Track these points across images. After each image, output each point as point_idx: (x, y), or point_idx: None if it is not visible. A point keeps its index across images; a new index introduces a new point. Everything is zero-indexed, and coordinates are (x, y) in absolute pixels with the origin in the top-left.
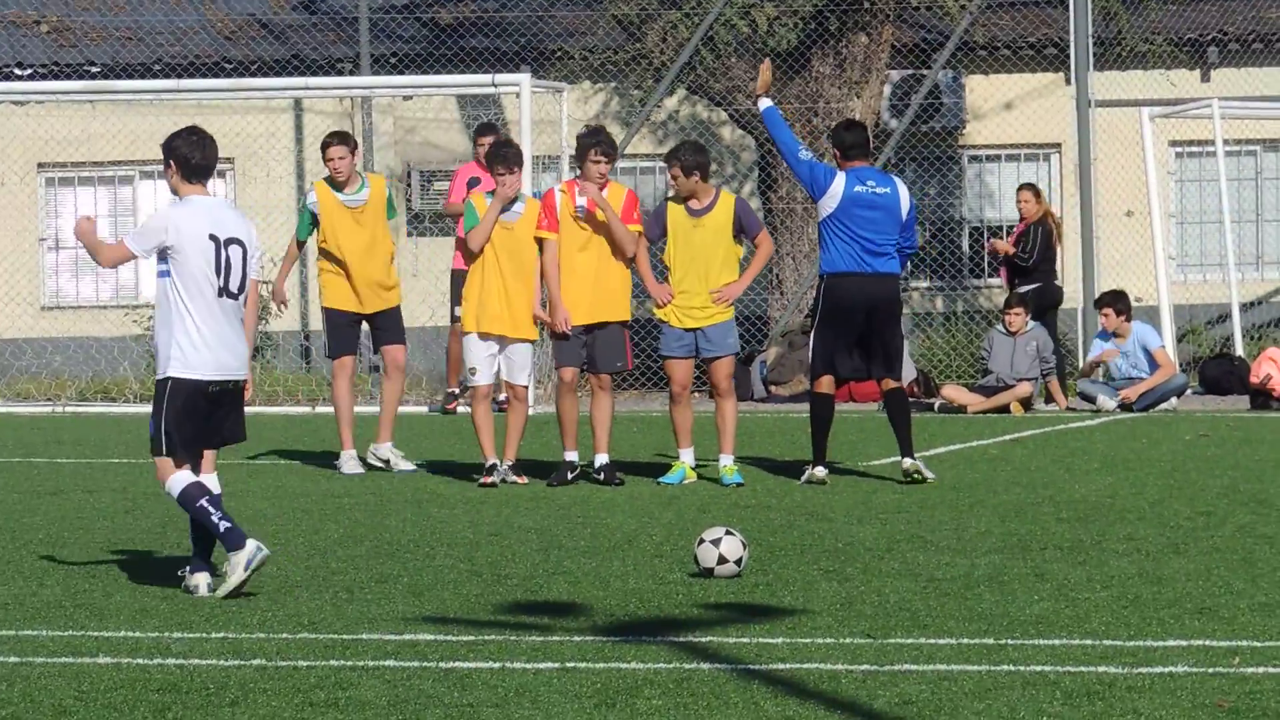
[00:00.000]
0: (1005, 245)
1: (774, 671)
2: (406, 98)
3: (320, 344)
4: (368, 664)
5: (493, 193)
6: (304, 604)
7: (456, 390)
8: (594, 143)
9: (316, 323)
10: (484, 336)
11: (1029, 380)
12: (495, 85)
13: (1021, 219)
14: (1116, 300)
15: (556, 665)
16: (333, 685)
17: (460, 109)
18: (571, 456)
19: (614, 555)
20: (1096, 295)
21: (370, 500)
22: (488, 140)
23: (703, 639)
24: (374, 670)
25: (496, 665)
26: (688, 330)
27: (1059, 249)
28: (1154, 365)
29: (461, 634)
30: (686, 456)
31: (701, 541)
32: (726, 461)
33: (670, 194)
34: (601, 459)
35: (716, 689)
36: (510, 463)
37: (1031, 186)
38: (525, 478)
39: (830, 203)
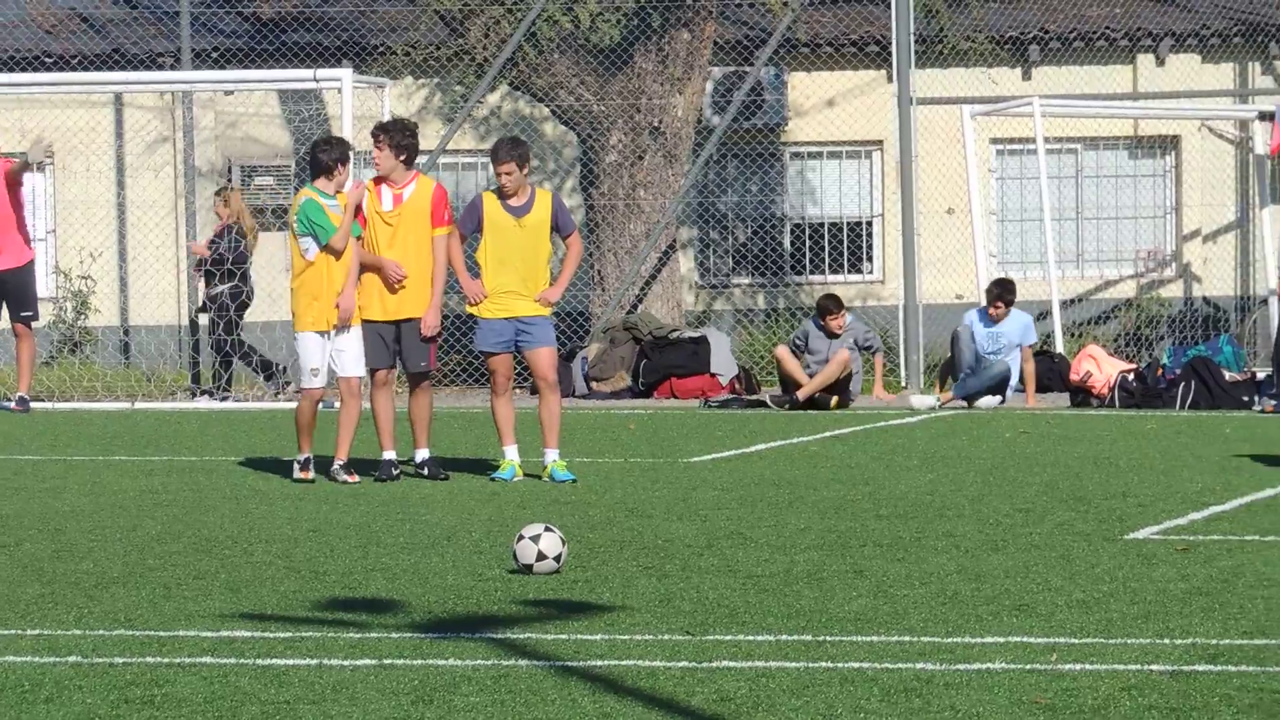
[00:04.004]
0: (200, 248)
1: (592, 668)
2: (228, 93)
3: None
4: (184, 661)
5: (318, 187)
6: (120, 600)
7: None
8: (378, 131)
9: (135, 318)
10: (326, 333)
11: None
12: (317, 80)
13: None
14: (1007, 291)
15: (374, 662)
16: (149, 682)
17: (282, 104)
18: (389, 455)
19: (433, 551)
20: (916, 293)
21: (188, 496)
22: None
23: (521, 635)
24: (190, 667)
25: (314, 662)
26: (506, 320)
27: (250, 251)
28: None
29: (279, 631)
30: (512, 453)
31: (520, 538)
32: (553, 456)
33: (492, 187)
34: (422, 454)
35: (534, 685)
36: (341, 462)
37: (220, 192)
38: (356, 476)
39: None
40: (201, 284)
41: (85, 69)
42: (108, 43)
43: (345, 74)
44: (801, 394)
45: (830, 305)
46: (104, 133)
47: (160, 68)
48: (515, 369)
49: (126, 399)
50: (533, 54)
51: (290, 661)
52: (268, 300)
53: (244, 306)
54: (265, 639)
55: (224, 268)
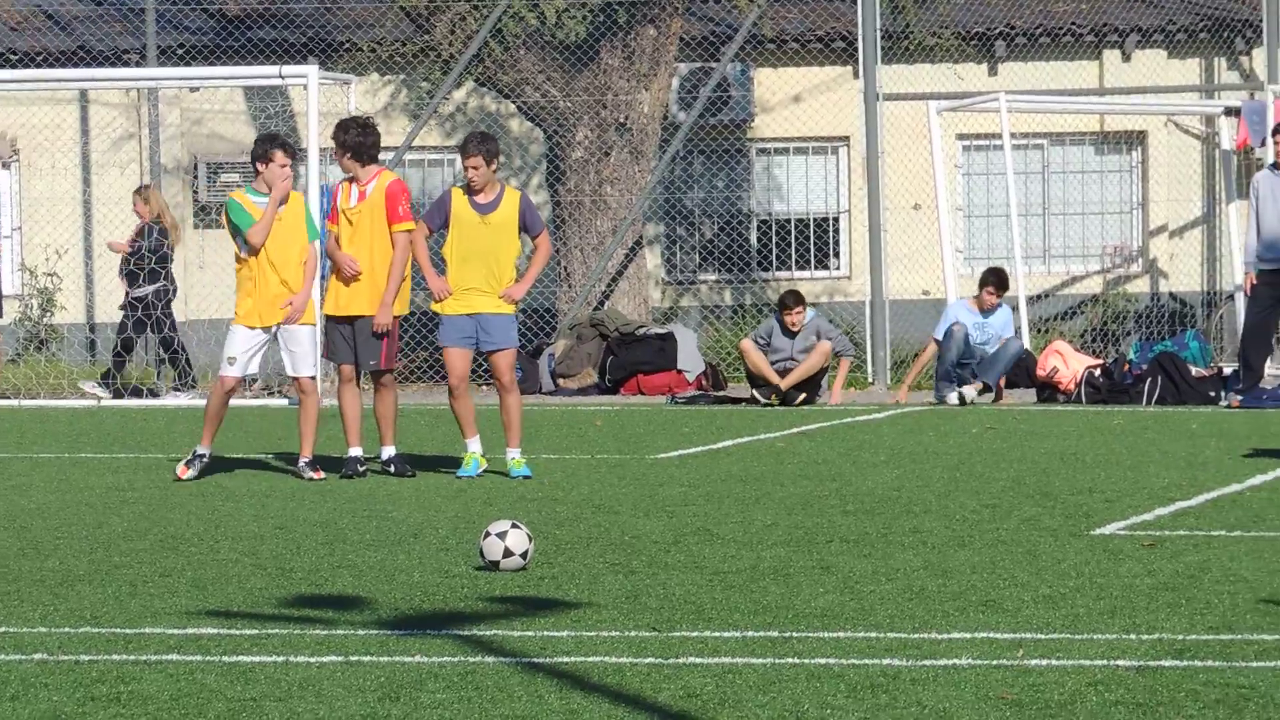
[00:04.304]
0: (120, 245)
1: (559, 665)
2: (193, 89)
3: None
4: (150, 658)
5: (253, 188)
6: (86, 598)
7: None
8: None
9: (102, 315)
10: (256, 329)
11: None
12: (282, 77)
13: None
14: (1003, 280)
15: (340, 659)
16: (115, 679)
17: (247, 101)
18: (355, 452)
19: (399, 548)
20: (883, 289)
21: (155, 493)
22: None
23: (487, 632)
24: (156, 664)
25: (280, 659)
26: (469, 316)
27: (173, 249)
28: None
29: (245, 628)
30: (474, 446)
31: (487, 535)
32: (514, 455)
33: (460, 183)
34: (388, 451)
35: (501, 682)
36: (307, 459)
37: (140, 190)
38: (322, 472)
39: None
40: (125, 284)
41: (50, 65)
42: (73, 39)
43: (311, 70)
44: (785, 384)
45: (789, 300)
46: (69, 129)
47: (126, 64)
48: (474, 365)
49: (93, 396)
50: (498, 50)
51: (256, 658)
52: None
53: (169, 302)
54: (231, 636)
55: (148, 266)
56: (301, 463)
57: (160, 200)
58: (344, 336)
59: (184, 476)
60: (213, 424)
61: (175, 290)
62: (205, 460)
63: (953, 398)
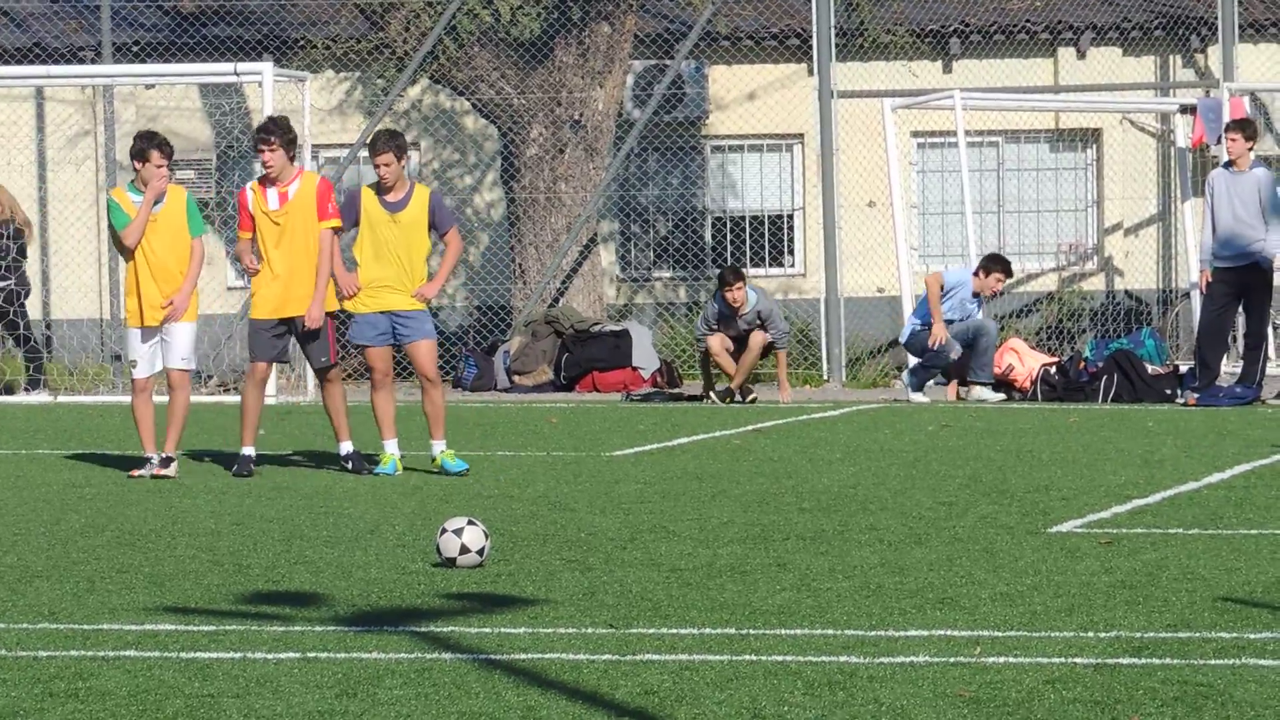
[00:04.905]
0: None
1: (516, 661)
2: (149, 86)
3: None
4: (108, 654)
5: (134, 185)
6: (44, 594)
7: None
8: (267, 133)
9: (57, 312)
10: (147, 329)
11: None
12: (237, 74)
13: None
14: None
15: (298, 655)
16: (73, 675)
17: (203, 98)
18: (248, 451)
19: (356, 545)
20: (838, 286)
21: (112, 490)
22: None
23: (445, 629)
24: (114, 660)
25: (238, 655)
26: (383, 314)
27: (27, 246)
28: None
29: (202, 624)
30: (392, 447)
31: (444, 531)
32: (441, 447)
33: (373, 182)
34: (346, 447)
35: (458, 679)
36: (164, 455)
37: None
38: (176, 470)
39: None
40: None
41: (5, 63)
42: (28, 36)
43: (266, 68)
44: (735, 382)
45: (729, 277)
46: (25, 126)
47: (81, 61)
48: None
49: (49, 392)
50: (453, 47)
51: (214, 655)
52: None
53: (15, 299)
54: (189, 632)
55: (3, 263)
56: (156, 457)
57: (10, 198)
58: (269, 336)
59: (135, 475)
60: (145, 428)
61: (29, 289)
62: (154, 460)
63: (918, 397)
